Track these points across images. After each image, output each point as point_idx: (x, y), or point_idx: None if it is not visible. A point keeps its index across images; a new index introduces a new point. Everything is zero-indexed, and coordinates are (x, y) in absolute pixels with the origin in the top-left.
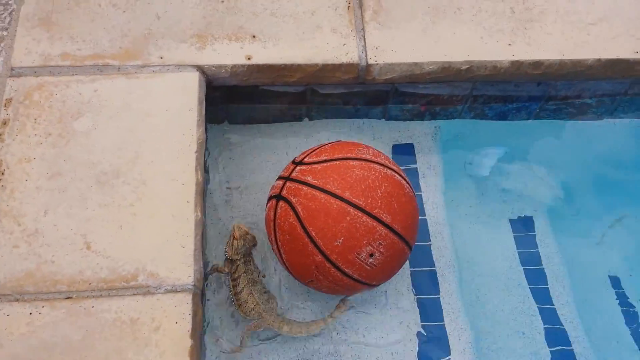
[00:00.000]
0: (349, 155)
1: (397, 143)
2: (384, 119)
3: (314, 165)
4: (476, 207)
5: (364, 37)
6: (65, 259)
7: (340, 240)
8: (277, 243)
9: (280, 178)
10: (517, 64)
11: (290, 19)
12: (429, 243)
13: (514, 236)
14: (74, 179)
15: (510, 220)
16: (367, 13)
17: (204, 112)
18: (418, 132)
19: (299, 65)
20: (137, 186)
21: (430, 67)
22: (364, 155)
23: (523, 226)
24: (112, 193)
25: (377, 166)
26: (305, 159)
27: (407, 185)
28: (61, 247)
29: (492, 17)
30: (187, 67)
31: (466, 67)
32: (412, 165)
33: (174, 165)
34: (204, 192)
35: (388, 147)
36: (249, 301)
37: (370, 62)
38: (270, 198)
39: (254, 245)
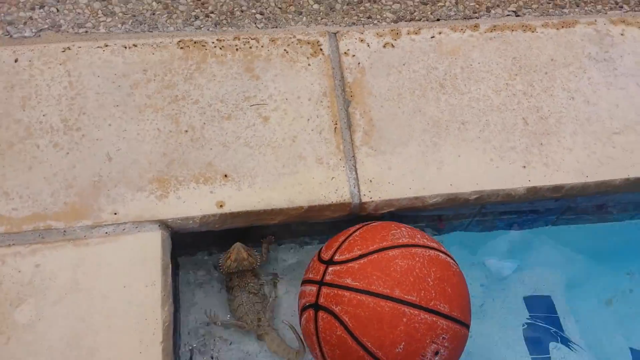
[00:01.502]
0: (385, 244)
1: None
2: None
3: (350, 264)
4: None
5: (355, 167)
6: None
7: (401, 346)
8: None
9: (309, 282)
10: (533, 191)
11: (268, 149)
12: None
13: None
14: None
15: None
16: (357, 135)
17: (170, 281)
18: None
19: (281, 210)
20: None
21: (435, 199)
22: (400, 240)
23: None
24: None
25: (418, 250)
26: (336, 257)
27: (452, 260)
28: None
29: (502, 131)
30: (147, 223)
31: (475, 197)
32: None
33: None
34: None
35: None
36: (239, 310)
37: (365, 199)
38: (304, 308)
39: (252, 267)
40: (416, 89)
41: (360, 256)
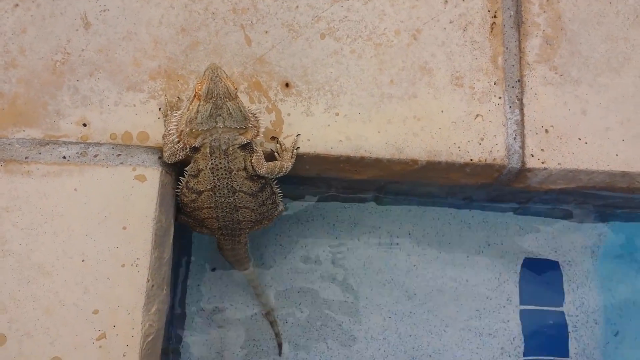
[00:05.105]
0: None
1: (532, 257)
2: (511, 213)
3: None
4: None
5: (521, 101)
6: None
7: None
8: None
9: None
10: None
11: (367, 46)
12: None
13: None
14: None
15: None
16: (532, 42)
17: (166, 260)
18: (569, 240)
19: (377, 160)
20: None
21: None
22: None
23: None
24: None
25: None
26: None
27: None
28: None
29: None
30: (139, 150)
31: None
32: (555, 308)
33: None
34: None
35: (515, 262)
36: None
37: (531, 162)
38: None
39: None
40: None
41: None
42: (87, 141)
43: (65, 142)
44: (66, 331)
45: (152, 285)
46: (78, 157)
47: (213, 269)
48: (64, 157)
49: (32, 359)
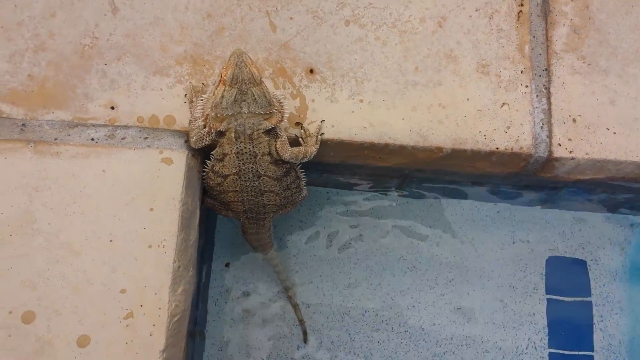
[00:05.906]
0: None
1: (557, 255)
2: (539, 207)
3: None
4: None
5: (548, 90)
6: None
7: None
8: None
9: None
10: None
11: (392, 33)
12: None
13: None
14: None
15: None
16: (559, 31)
17: (193, 238)
18: (598, 235)
19: (402, 147)
20: None
21: None
22: None
23: None
24: None
25: None
26: None
27: None
28: None
29: None
30: (166, 133)
31: None
32: (583, 298)
33: None
34: None
35: (539, 260)
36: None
37: (558, 152)
38: None
39: (267, 112)
40: None
41: None
42: (115, 124)
43: (93, 125)
44: (94, 310)
45: (179, 267)
46: (106, 139)
47: (227, 264)
48: (93, 139)
49: (60, 336)
